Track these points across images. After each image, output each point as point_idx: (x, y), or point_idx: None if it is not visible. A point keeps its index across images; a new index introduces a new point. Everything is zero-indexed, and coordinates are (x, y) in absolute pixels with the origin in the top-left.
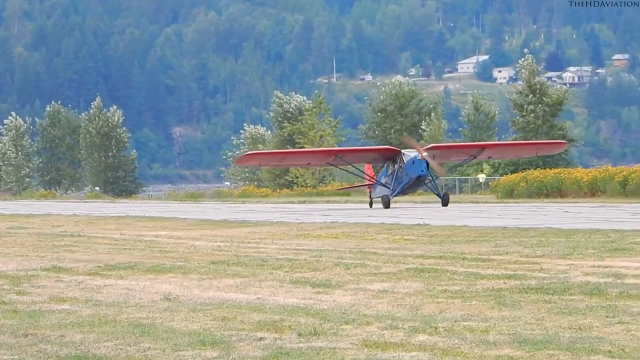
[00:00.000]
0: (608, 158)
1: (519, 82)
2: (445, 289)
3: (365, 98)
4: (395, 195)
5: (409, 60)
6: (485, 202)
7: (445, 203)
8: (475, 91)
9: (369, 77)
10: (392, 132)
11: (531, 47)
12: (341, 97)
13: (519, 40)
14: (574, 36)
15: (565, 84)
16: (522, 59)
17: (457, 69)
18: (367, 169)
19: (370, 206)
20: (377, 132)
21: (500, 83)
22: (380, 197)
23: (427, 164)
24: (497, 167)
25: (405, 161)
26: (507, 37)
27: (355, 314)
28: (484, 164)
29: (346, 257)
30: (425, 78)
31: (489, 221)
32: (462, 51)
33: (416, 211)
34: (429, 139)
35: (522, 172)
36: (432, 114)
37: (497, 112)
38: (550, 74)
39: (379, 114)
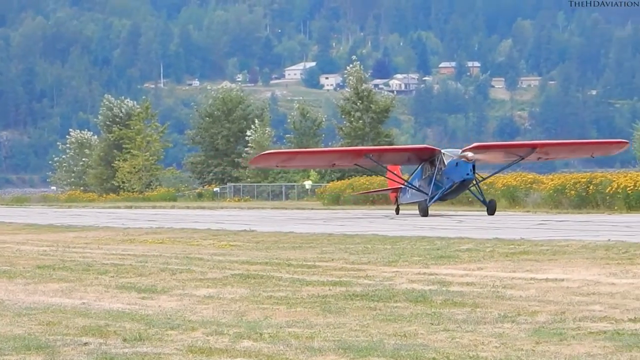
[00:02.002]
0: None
1: (346, 89)
2: (271, 295)
3: (193, 104)
4: (434, 202)
5: (236, 66)
6: (312, 209)
7: (491, 211)
8: (302, 98)
9: (196, 83)
10: (219, 137)
11: (358, 54)
12: (168, 103)
13: (347, 47)
14: (401, 43)
15: (392, 91)
16: (350, 66)
17: (284, 76)
18: (394, 170)
19: (397, 213)
20: (204, 137)
21: (328, 90)
22: (411, 203)
23: (474, 167)
24: (324, 174)
25: (446, 163)
26: (334, 44)
27: (180, 319)
28: (311, 170)
29: (172, 263)
30: (253, 84)
31: (315, 227)
32: (290, 57)
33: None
34: (255, 145)
35: (349, 179)
36: (257, 121)
37: (324, 119)
38: (377, 81)
39: (207, 119)
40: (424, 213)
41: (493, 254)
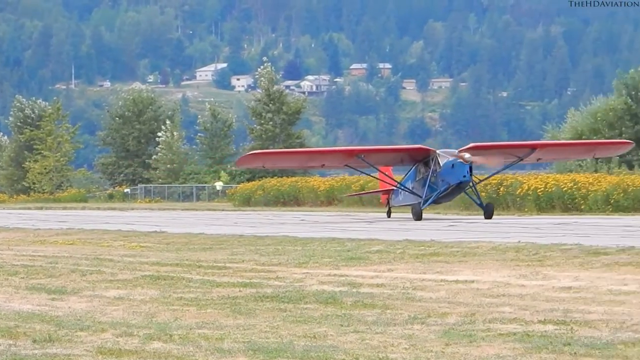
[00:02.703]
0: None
1: (258, 90)
2: (181, 297)
3: (104, 105)
4: (428, 205)
5: (147, 68)
6: (223, 210)
7: (488, 215)
8: (213, 99)
9: (107, 84)
10: (130, 138)
11: (270, 56)
12: (79, 104)
13: (258, 48)
14: (313, 45)
15: (304, 93)
16: (261, 67)
17: (195, 77)
18: (386, 172)
19: (389, 216)
20: (115, 138)
21: (239, 91)
22: (404, 205)
23: (470, 169)
24: (234, 175)
25: (441, 164)
26: (245, 45)
27: (90, 320)
28: (221, 172)
29: (82, 264)
30: (164, 85)
31: (226, 229)
32: (201, 59)
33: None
34: (165, 146)
35: (259, 180)
36: (168, 122)
37: (234, 120)
38: (288, 82)
39: (117, 119)
40: (418, 217)
41: (403, 256)
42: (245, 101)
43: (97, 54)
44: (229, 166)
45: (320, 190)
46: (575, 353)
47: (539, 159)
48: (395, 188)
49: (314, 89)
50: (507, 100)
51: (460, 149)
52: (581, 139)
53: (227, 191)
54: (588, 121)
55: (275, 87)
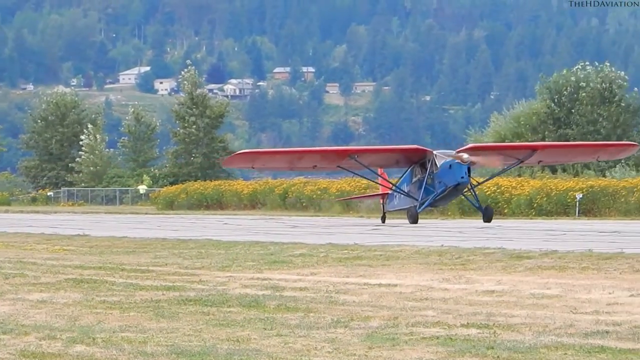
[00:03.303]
0: (268, 171)
1: (181, 94)
2: (104, 300)
3: (27, 108)
4: (424, 208)
5: (70, 71)
6: (146, 214)
7: (487, 218)
8: (137, 102)
9: (30, 87)
10: (53, 142)
11: (193, 59)
12: (2, 107)
13: (181, 51)
14: (236, 48)
15: (227, 96)
16: (184, 71)
17: (119, 80)
18: (381, 174)
19: (383, 221)
20: (38, 142)
21: (162, 94)
22: (400, 209)
23: (469, 170)
24: (157, 179)
25: (438, 165)
26: (169, 49)
27: (13, 324)
28: (145, 175)
29: (5, 267)
30: (87, 88)
31: (149, 232)
32: (124, 62)
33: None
34: (88, 149)
35: (183, 183)
36: (91, 125)
37: (158, 124)
38: (212, 86)
39: (39, 122)
40: (414, 220)
41: (326, 259)
42: (168, 105)
43: (19, 57)
44: (152, 169)
45: (244, 194)
46: (498, 357)
47: (540, 161)
48: (390, 192)
49: (238, 92)
50: (430, 104)
51: (459, 149)
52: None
53: (150, 195)
54: (511, 125)
55: (199, 90)
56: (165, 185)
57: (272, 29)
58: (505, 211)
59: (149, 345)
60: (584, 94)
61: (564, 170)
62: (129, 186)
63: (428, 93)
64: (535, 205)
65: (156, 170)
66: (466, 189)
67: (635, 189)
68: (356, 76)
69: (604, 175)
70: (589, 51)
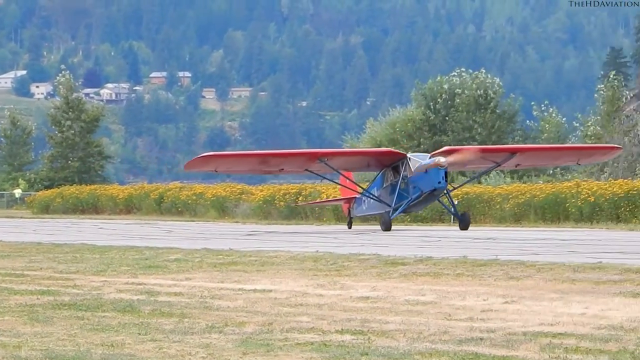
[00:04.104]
0: (145, 175)
1: (57, 98)
2: None
3: None
4: (398, 214)
5: None
6: (21, 218)
7: (464, 226)
8: (13, 106)
9: None
10: None
11: (69, 63)
12: None
13: (58, 56)
14: (112, 53)
15: (103, 101)
16: (59, 75)
17: None
18: (347, 177)
19: (349, 227)
20: None
21: (38, 98)
22: (369, 215)
23: (446, 174)
24: (33, 183)
25: (413, 169)
26: (45, 53)
27: None
28: (20, 179)
29: None
30: None
31: (24, 236)
32: (0, 66)
33: None
34: None
35: (59, 187)
36: None
37: (34, 128)
38: (88, 90)
39: None
40: (387, 227)
41: (201, 264)
42: (44, 109)
43: None
44: (28, 173)
45: (120, 199)
46: None
47: (518, 164)
48: (357, 196)
49: (114, 97)
50: (306, 110)
51: (434, 152)
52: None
53: (25, 199)
54: (387, 131)
55: (75, 94)
56: (41, 189)
57: (149, 34)
58: None
59: (23, 350)
60: (459, 101)
61: None
62: (4, 190)
63: (304, 98)
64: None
65: (32, 174)
66: (442, 194)
67: (510, 196)
68: (233, 81)
69: (479, 182)
70: (465, 58)
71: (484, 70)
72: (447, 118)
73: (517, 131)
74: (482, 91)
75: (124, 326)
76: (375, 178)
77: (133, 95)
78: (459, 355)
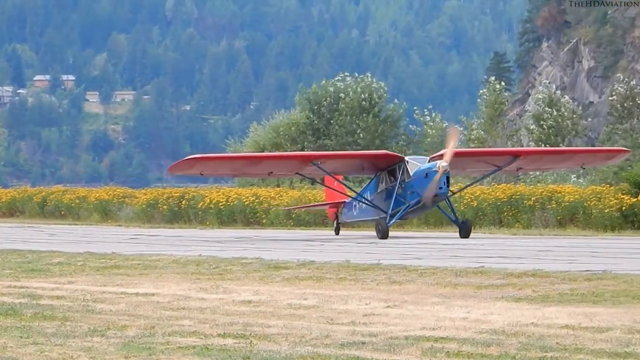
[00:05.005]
0: (27, 179)
1: None
2: None
3: None
4: (396, 220)
5: None
6: None
7: (465, 233)
8: None
9: None
10: None
11: None
12: None
13: None
14: None
15: None
16: None
17: None
18: (332, 181)
19: (337, 233)
20: None
21: None
22: (360, 221)
23: (448, 179)
24: None
25: (411, 173)
26: None
27: None
28: None
29: None
30: None
31: None
32: None
33: None
34: None
35: None
36: None
37: None
38: None
39: None
40: (384, 235)
41: (84, 268)
42: None
43: None
44: None
45: (2, 202)
46: None
47: (520, 168)
48: (347, 201)
49: None
50: (190, 114)
51: (432, 155)
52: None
53: None
54: (270, 135)
55: None
56: None
57: (33, 37)
58: (264, 221)
59: None
60: (343, 105)
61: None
62: None
63: (188, 102)
64: (293, 215)
65: None
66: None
67: None
68: (116, 85)
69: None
70: (349, 62)
71: (369, 74)
72: (331, 122)
73: (400, 136)
74: (366, 95)
75: (5, 329)
76: (369, 182)
77: (16, 98)
78: (341, 359)
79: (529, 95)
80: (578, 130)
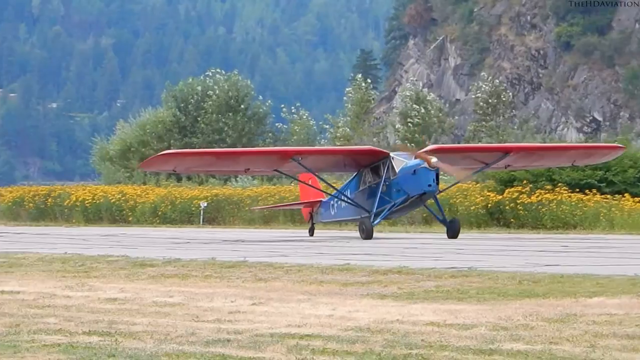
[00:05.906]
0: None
1: None
2: None
3: None
4: (381, 220)
5: None
6: None
7: (453, 233)
8: None
9: None
10: None
11: None
12: None
13: None
14: None
15: None
16: None
17: None
18: (310, 179)
19: (311, 234)
20: None
21: None
22: (338, 221)
23: (437, 176)
24: None
25: (397, 170)
26: None
27: None
28: None
29: None
30: None
31: None
32: None
33: None
34: None
35: None
36: None
37: None
38: None
39: None
40: (368, 235)
41: None
42: None
43: None
44: None
45: None
46: None
47: (508, 165)
48: (324, 200)
49: None
50: (56, 111)
51: (420, 151)
52: (130, 151)
53: None
54: (137, 133)
55: None
56: None
57: None
58: (130, 219)
59: None
60: (210, 103)
61: (189, 179)
62: None
63: (55, 100)
64: (160, 213)
65: None
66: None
67: (260, 198)
68: None
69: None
70: (216, 60)
71: (236, 71)
72: (198, 120)
73: (267, 133)
74: (233, 93)
75: None
76: (351, 180)
77: None
78: (206, 357)
79: (396, 93)
80: (444, 128)
